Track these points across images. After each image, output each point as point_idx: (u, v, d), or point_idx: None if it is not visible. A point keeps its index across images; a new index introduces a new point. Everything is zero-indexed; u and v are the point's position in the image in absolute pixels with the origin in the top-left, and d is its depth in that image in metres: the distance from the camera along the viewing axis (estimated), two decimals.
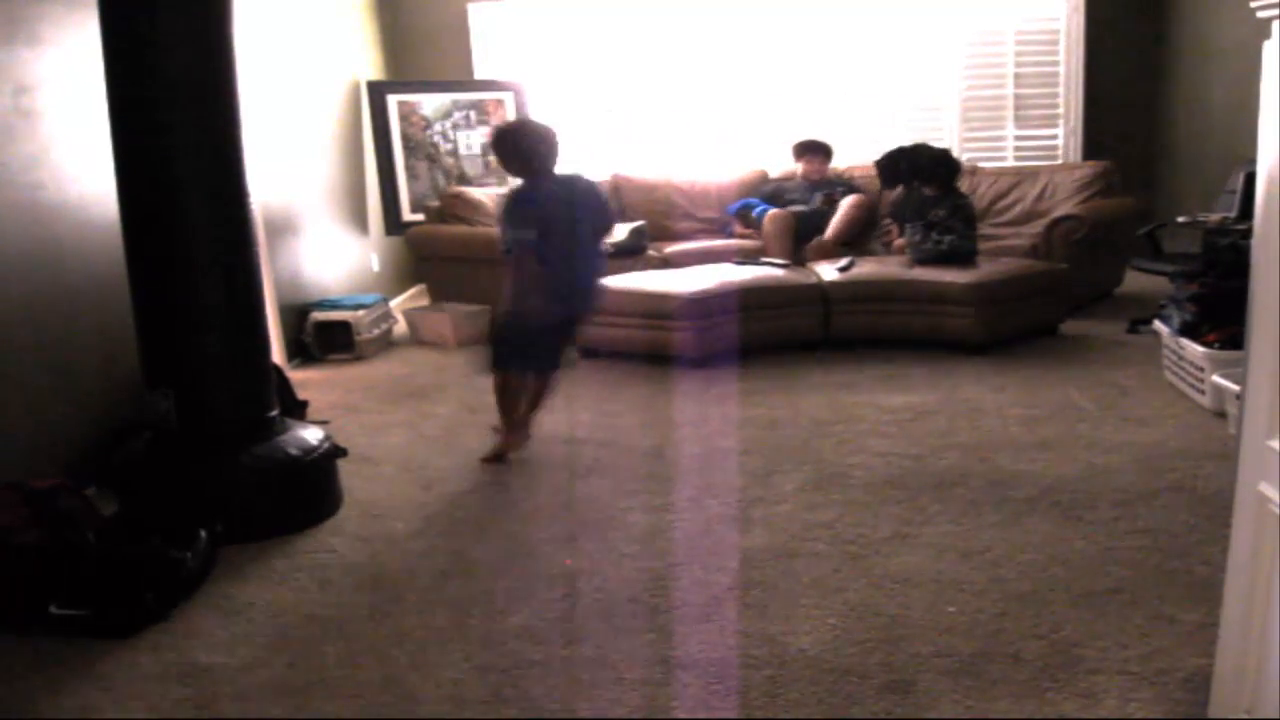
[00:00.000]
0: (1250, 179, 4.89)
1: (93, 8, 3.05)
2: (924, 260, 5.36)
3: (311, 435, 3.41)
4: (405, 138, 6.93)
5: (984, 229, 6.15)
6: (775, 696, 2.22)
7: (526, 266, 3.66)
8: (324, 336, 5.59)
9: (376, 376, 5.24)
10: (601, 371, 5.10)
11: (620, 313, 5.17)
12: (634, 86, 7.41)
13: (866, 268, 5.46)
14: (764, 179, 6.84)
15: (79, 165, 3.65)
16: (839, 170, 6.73)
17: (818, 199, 6.40)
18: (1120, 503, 3.16)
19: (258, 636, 2.59)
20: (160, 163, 3.08)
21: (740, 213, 6.58)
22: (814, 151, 6.60)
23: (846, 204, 6.26)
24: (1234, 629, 1.90)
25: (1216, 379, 3.84)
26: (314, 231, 5.90)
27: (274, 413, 3.39)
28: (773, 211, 6.27)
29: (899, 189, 5.88)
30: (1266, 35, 1.75)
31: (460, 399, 4.73)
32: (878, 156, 5.90)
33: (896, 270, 5.36)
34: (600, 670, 2.35)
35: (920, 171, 5.56)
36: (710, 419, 4.24)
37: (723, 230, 6.64)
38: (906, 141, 5.96)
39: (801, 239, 6.21)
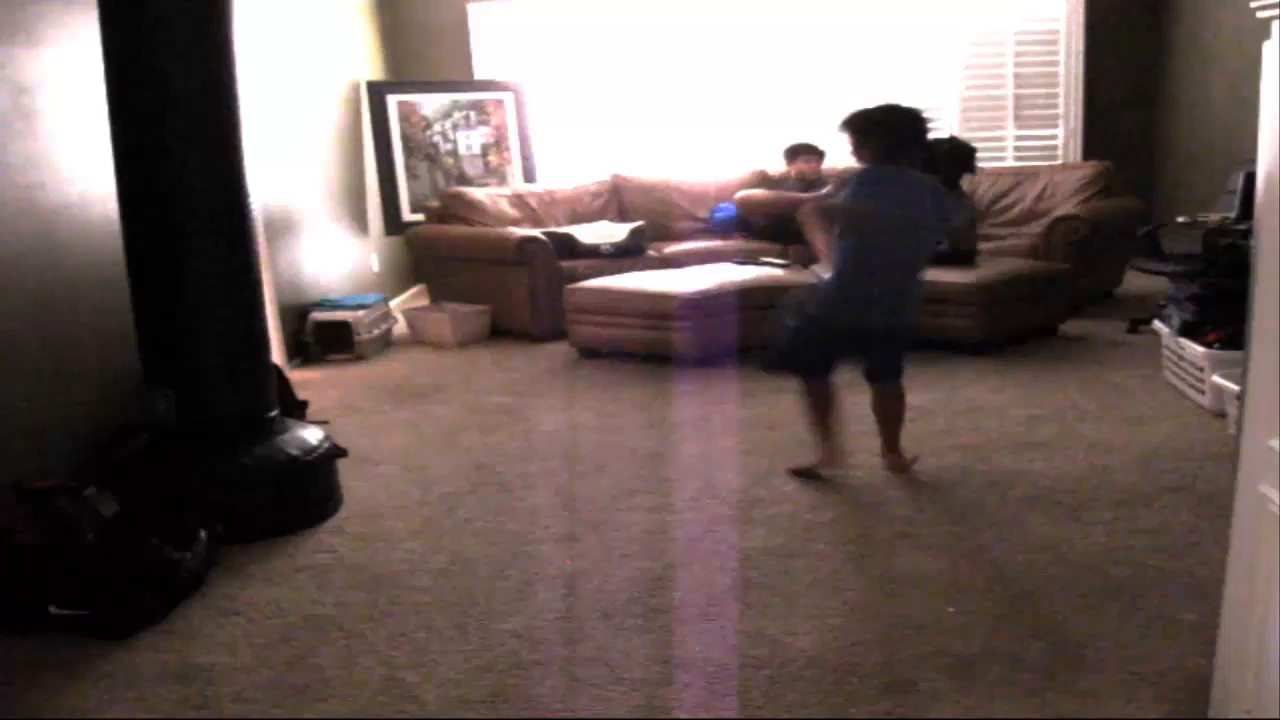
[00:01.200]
0: (1250, 179, 4.87)
1: (93, 8, 3.05)
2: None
3: (311, 435, 3.41)
4: (405, 138, 6.93)
5: (984, 229, 6.15)
6: (775, 696, 2.22)
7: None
8: (324, 336, 5.59)
9: (376, 376, 5.24)
10: (601, 371, 5.11)
11: (620, 313, 5.18)
12: (634, 86, 7.41)
13: None
14: (763, 179, 6.84)
15: (79, 165, 3.64)
16: (836, 170, 6.72)
17: None
18: (1120, 503, 3.16)
19: (258, 636, 2.59)
20: (160, 162, 3.08)
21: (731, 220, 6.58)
22: (807, 152, 6.61)
23: (805, 224, 6.16)
24: (1234, 629, 1.90)
25: (1216, 379, 3.83)
26: (314, 231, 5.90)
27: (274, 413, 3.39)
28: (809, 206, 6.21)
29: None
30: (1266, 35, 1.75)
31: (460, 399, 4.73)
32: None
33: None
34: (600, 670, 2.35)
35: (958, 157, 5.44)
36: (710, 419, 4.24)
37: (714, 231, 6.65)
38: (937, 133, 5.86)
39: (796, 239, 6.20)
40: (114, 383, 3.74)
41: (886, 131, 3.37)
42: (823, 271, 3.60)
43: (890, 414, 3.56)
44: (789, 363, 3.59)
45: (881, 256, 3.36)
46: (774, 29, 7.24)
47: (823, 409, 3.53)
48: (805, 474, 3.52)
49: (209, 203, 3.13)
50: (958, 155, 5.45)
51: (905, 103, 3.47)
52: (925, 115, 3.48)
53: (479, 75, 7.42)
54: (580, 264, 5.89)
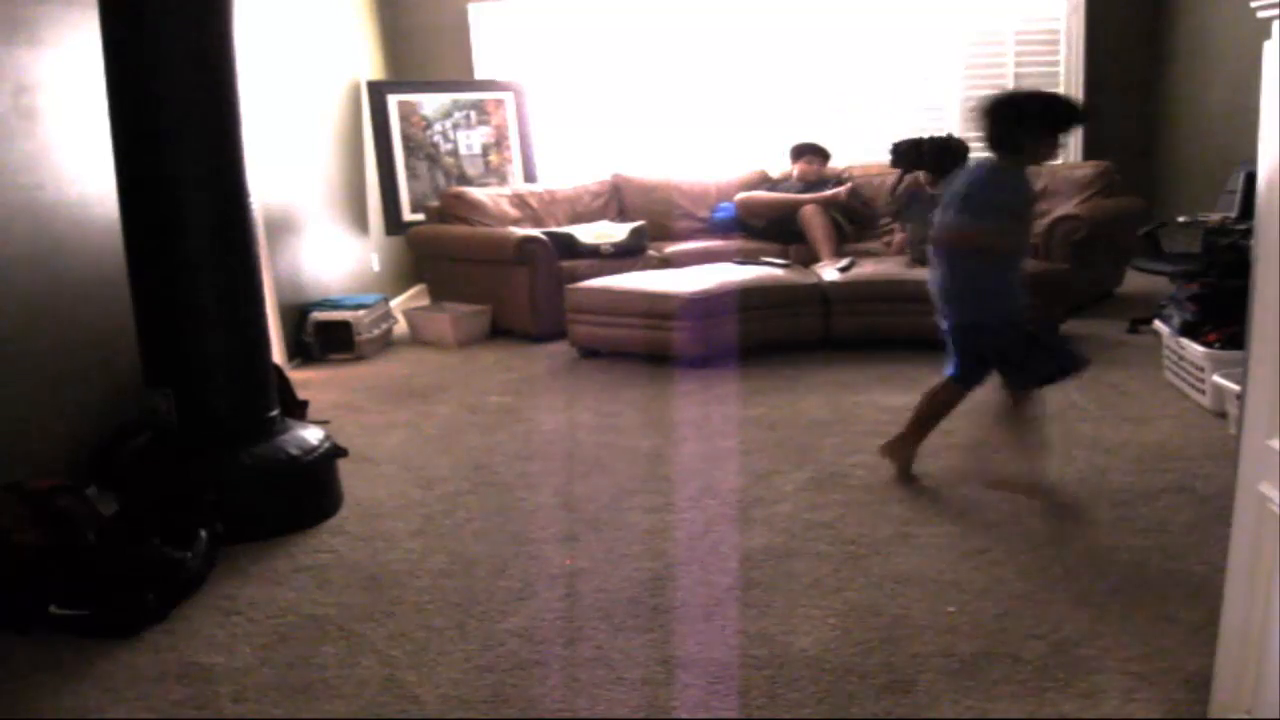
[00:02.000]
0: (1250, 179, 4.88)
1: (93, 7, 3.05)
2: (924, 260, 5.35)
3: (311, 435, 3.41)
4: (405, 138, 6.93)
5: None
6: (775, 696, 2.22)
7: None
8: (324, 336, 5.59)
9: (376, 376, 5.25)
10: (601, 371, 5.10)
11: (620, 313, 5.18)
12: (634, 86, 7.41)
13: (866, 268, 5.46)
14: (764, 179, 6.85)
15: (79, 165, 3.65)
16: (837, 171, 6.74)
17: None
18: (1120, 503, 3.16)
19: (258, 636, 2.59)
20: (160, 162, 3.08)
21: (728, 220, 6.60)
22: (811, 154, 6.62)
23: (806, 224, 6.19)
24: (1234, 629, 1.90)
25: (1216, 379, 3.84)
26: (314, 231, 5.90)
27: (274, 413, 3.39)
28: (810, 208, 6.23)
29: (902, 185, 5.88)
30: (1266, 35, 1.75)
31: (460, 399, 4.73)
32: (897, 141, 5.78)
33: (896, 270, 5.36)
34: (600, 670, 2.35)
35: (949, 155, 5.40)
36: (710, 419, 4.24)
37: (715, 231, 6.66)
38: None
39: (796, 239, 6.22)
40: (114, 383, 3.74)
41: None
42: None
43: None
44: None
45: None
46: (774, 29, 7.24)
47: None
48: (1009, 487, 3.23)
49: (209, 202, 3.13)
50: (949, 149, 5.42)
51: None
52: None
53: (479, 75, 7.42)
54: (580, 264, 5.89)
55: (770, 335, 5.16)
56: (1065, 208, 5.98)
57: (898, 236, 5.93)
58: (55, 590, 2.68)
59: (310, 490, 3.34)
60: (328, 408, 4.59)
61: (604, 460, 3.78)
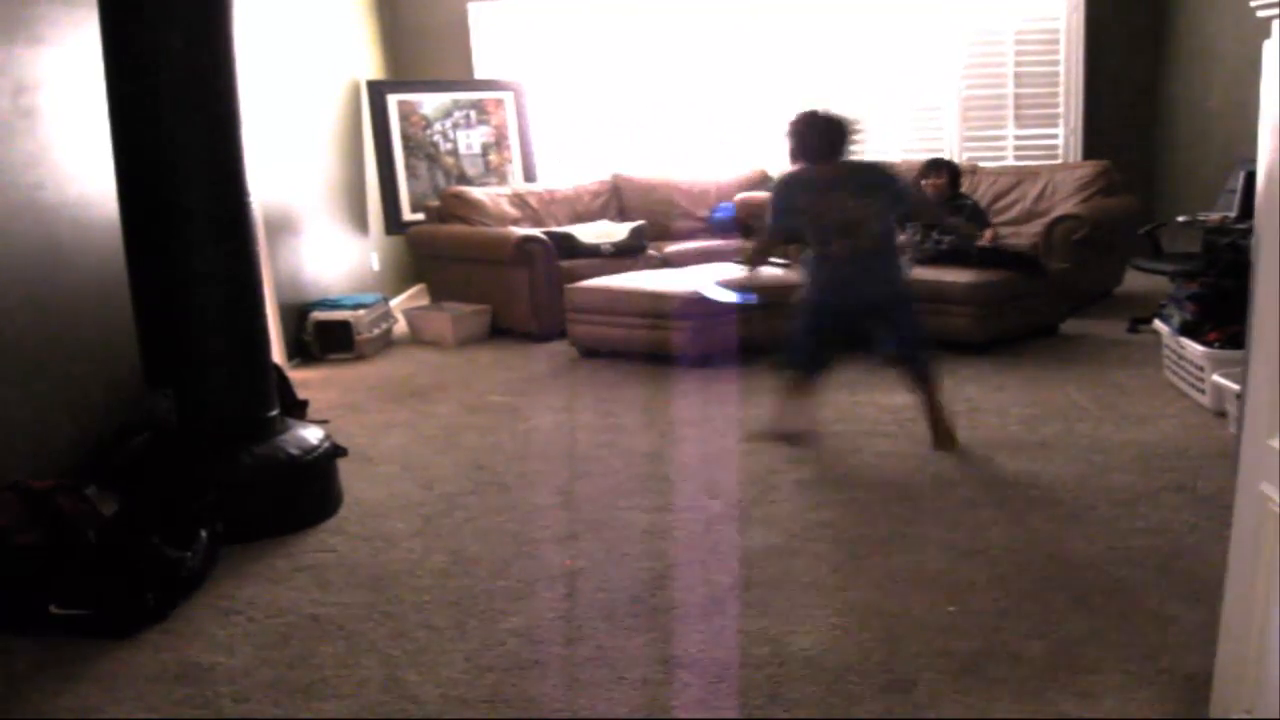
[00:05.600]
0: (1250, 179, 4.88)
1: (93, 8, 3.05)
2: (924, 260, 5.35)
3: (311, 435, 3.41)
4: (405, 137, 6.93)
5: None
6: (775, 696, 2.22)
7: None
8: (324, 336, 5.59)
9: (376, 376, 5.24)
10: (601, 371, 5.11)
11: (620, 312, 5.18)
12: (634, 86, 7.41)
13: None
14: (764, 179, 6.84)
15: (79, 165, 3.64)
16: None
17: None
18: (1120, 503, 3.16)
19: (258, 636, 2.59)
20: (160, 162, 3.08)
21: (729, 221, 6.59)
22: None
23: None
24: (1234, 629, 1.90)
25: (1216, 379, 3.84)
26: (314, 231, 5.90)
27: (274, 412, 3.39)
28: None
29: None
30: (1266, 35, 1.75)
31: (460, 399, 4.73)
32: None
33: None
34: (600, 670, 2.35)
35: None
36: (710, 419, 4.24)
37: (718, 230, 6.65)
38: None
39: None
40: (114, 383, 3.74)
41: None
42: None
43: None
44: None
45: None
46: (774, 29, 7.24)
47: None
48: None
49: (209, 202, 3.13)
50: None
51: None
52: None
53: (479, 75, 7.42)
54: (580, 264, 5.89)
55: (770, 335, 5.15)
56: (1065, 207, 5.97)
57: (900, 238, 5.91)
58: (55, 590, 2.68)
59: (310, 490, 3.34)
60: (327, 407, 4.59)
61: (604, 460, 3.78)
